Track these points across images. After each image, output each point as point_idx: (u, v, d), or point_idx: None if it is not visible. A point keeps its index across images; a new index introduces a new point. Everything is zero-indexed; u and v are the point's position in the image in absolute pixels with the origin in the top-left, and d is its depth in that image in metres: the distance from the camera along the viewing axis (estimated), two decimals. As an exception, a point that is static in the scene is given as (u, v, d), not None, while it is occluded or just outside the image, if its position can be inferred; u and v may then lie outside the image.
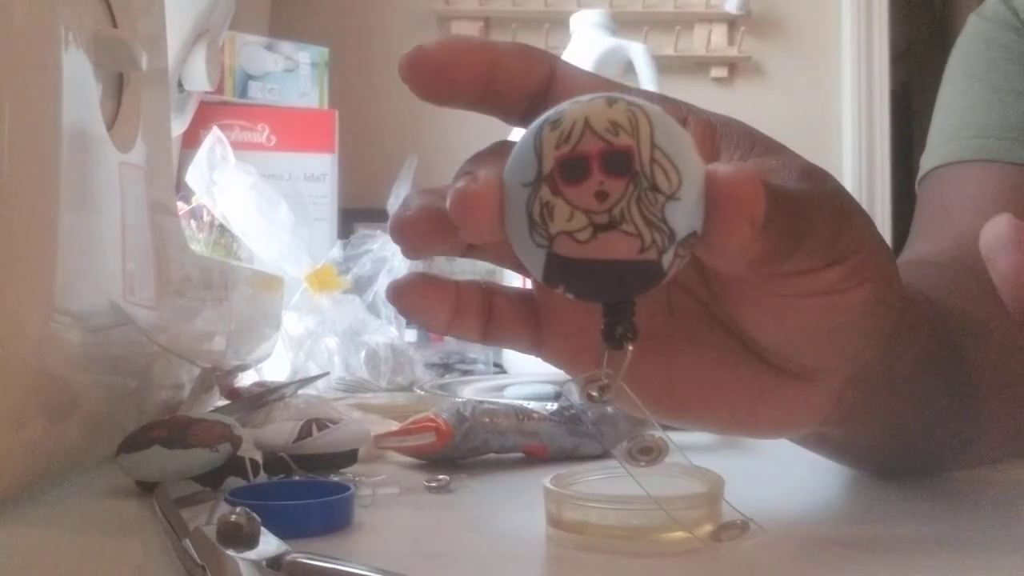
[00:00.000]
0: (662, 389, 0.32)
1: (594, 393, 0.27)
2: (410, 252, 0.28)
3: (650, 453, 0.27)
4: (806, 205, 0.26)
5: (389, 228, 0.28)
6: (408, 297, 0.30)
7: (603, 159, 0.23)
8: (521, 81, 0.28)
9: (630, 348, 0.26)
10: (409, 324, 1.01)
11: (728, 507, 0.31)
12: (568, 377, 0.33)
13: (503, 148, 0.27)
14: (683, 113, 0.29)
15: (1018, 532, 0.35)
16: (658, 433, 0.28)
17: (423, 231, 0.27)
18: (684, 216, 0.24)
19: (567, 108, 0.24)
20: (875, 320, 0.30)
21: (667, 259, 0.24)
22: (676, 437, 0.29)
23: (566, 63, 0.29)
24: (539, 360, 0.33)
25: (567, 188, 0.24)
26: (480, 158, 0.27)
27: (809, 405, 0.33)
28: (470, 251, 0.30)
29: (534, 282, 0.32)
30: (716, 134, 0.30)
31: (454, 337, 0.32)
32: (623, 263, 0.24)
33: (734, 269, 0.26)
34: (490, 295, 0.32)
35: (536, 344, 0.32)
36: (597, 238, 0.24)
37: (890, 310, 0.31)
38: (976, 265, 0.50)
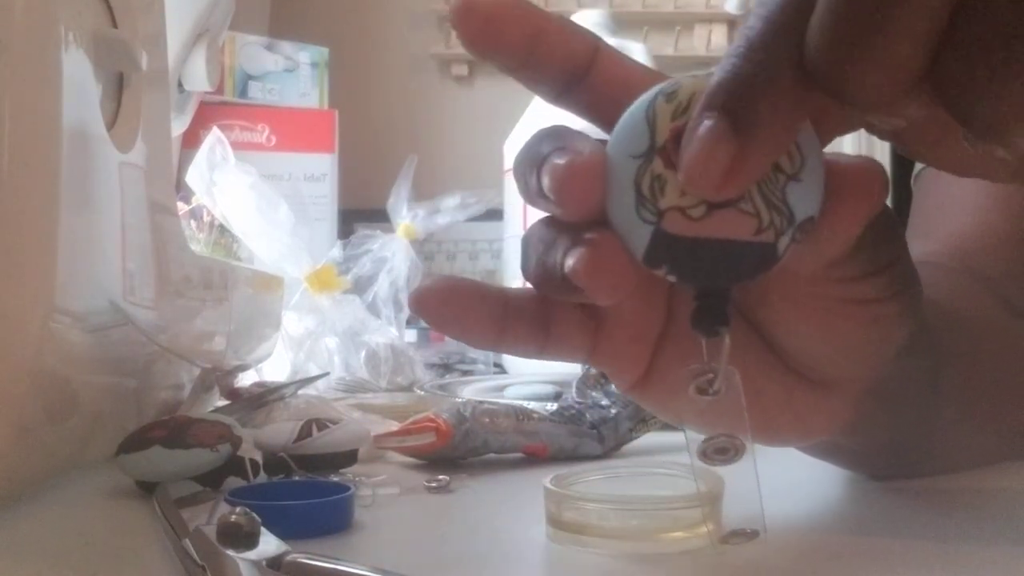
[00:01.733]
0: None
1: (702, 387, 0.25)
2: (580, 209, 0.24)
3: (726, 453, 0.26)
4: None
5: (554, 184, 0.24)
6: (432, 306, 0.28)
7: None
8: (564, 52, 0.27)
9: (727, 337, 0.24)
10: (410, 324, 1.01)
11: (728, 511, 0.31)
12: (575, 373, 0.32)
13: (565, 128, 0.26)
14: None
15: (1018, 536, 0.35)
16: (738, 435, 0.27)
17: (599, 178, 0.24)
18: (804, 199, 0.22)
19: (683, 80, 0.23)
20: (905, 331, 0.30)
21: (783, 243, 0.23)
22: (677, 437, 0.29)
23: (612, 48, 0.28)
24: (539, 360, 0.32)
25: None
26: (556, 136, 0.26)
27: (829, 414, 0.33)
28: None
29: None
30: None
31: (506, 352, 0.30)
32: (736, 244, 0.22)
33: (823, 259, 0.25)
34: (546, 302, 0.29)
35: (591, 351, 0.30)
36: (711, 215, 0.22)
37: (914, 321, 0.31)
38: (971, 264, 0.50)
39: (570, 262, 0.24)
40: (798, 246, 0.23)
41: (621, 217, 0.23)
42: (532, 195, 0.26)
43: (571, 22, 0.27)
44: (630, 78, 0.27)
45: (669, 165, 0.22)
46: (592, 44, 0.27)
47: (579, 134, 0.26)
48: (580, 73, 0.27)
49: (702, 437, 0.27)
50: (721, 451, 0.27)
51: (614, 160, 0.23)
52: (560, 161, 0.24)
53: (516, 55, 0.26)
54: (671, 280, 0.24)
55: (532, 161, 0.26)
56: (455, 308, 0.28)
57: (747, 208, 0.22)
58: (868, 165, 0.23)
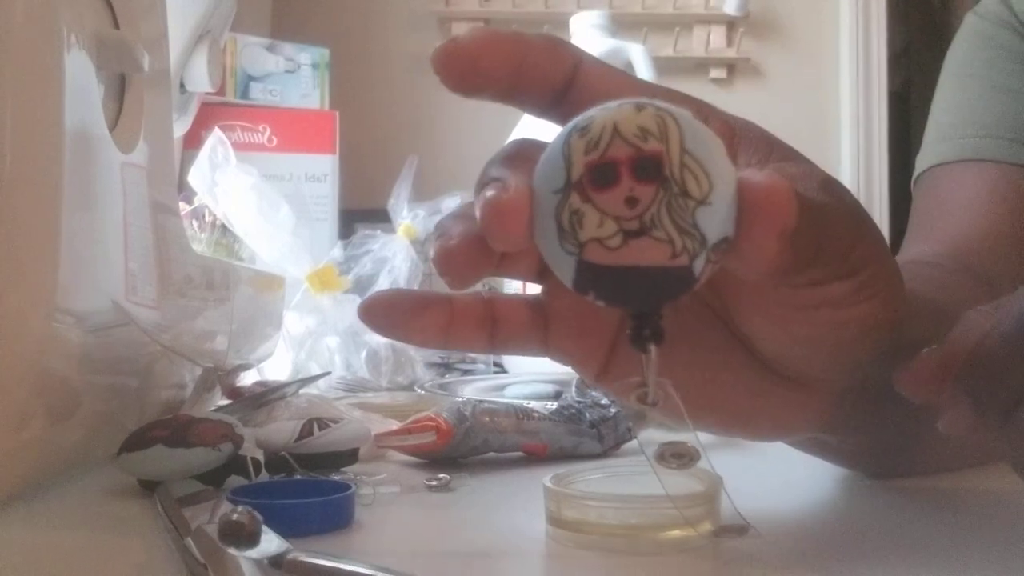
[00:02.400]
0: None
1: (641, 397, 0.26)
2: (457, 283, 0.27)
3: (682, 458, 0.27)
4: (826, 217, 0.26)
5: (434, 261, 0.28)
6: (377, 317, 0.30)
7: (633, 165, 0.23)
8: (549, 73, 0.27)
9: (653, 350, 0.25)
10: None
11: (728, 509, 0.32)
12: (571, 375, 0.33)
13: (525, 148, 0.27)
14: (704, 113, 0.29)
15: (1014, 535, 0.35)
16: (691, 441, 0.28)
17: (469, 261, 0.27)
18: (715, 222, 0.23)
19: (595, 114, 0.24)
20: (878, 335, 0.30)
21: (698, 265, 0.23)
22: (677, 437, 0.29)
23: (591, 57, 0.28)
24: (540, 360, 0.33)
25: (597, 194, 0.23)
26: (505, 161, 0.27)
27: (807, 411, 0.33)
28: (498, 268, 0.30)
29: (544, 284, 0.32)
30: (735, 137, 0.29)
31: (457, 351, 0.32)
32: (654, 269, 0.23)
33: (755, 276, 0.26)
34: (492, 304, 0.31)
35: (544, 346, 0.32)
36: (628, 245, 0.23)
37: (893, 326, 0.31)
38: (972, 265, 0.50)
39: (431, 252, 0.27)
40: (716, 266, 0.24)
41: (547, 249, 0.25)
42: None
43: (551, 40, 0.28)
44: (611, 88, 0.27)
45: (585, 199, 0.23)
46: (573, 59, 0.28)
47: (518, 159, 0.26)
48: (562, 90, 0.28)
49: (656, 444, 0.28)
50: (677, 456, 0.27)
51: (538, 194, 0.24)
52: (488, 195, 0.25)
53: (502, 88, 0.27)
54: (600, 305, 0.25)
55: (479, 186, 0.27)
56: (398, 317, 0.30)
57: (660, 236, 0.23)
58: (772, 184, 0.24)
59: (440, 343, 0.31)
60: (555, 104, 0.28)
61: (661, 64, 1.59)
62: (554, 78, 0.27)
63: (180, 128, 0.90)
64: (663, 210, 0.23)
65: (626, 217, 0.23)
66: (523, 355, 0.33)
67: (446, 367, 0.94)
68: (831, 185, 0.28)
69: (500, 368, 0.94)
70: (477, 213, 0.25)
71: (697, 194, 0.23)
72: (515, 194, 0.24)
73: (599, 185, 0.23)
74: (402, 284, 0.95)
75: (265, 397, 0.57)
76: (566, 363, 0.33)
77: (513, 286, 0.86)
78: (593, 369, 0.32)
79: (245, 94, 1.26)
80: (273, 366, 0.80)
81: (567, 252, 0.24)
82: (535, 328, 0.32)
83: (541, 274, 0.32)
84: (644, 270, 0.23)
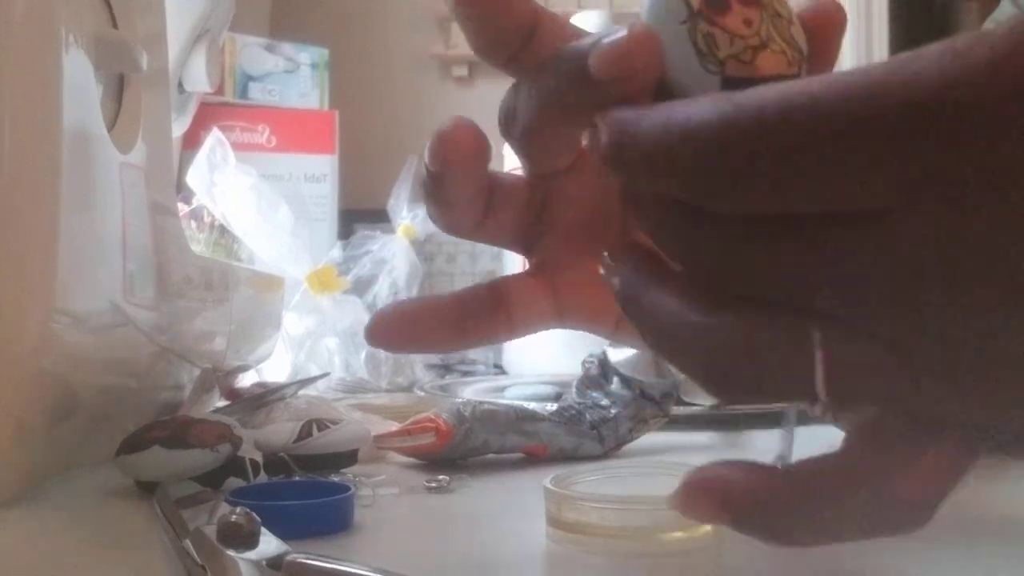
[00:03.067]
0: None
1: None
2: (447, 175, 0.29)
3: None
4: None
5: (431, 149, 0.29)
6: (388, 338, 0.30)
7: None
8: (514, 16, 0.29)
9: None
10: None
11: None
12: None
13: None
14: None
15: (1016, 534, 0.35)
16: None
17: (466, 149, 0.29)
18: (801, 36, 0.27)
19: None
20: None
21: (803, 74, 0.27)
22: (677, 437, 0.29)
23: (551, 13, 0.30)
24: (540, 361, 0.33)
25: (720, 18, 0.27)
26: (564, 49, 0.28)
27: None
28: (478, 229, 0.31)
29: (534, 251, 0.33)
30: None
31: (478, 345, 0.32)
32: (778, 78, 0.26)
33: None
34: (498, 289, 0.32)
35: (561, 315, 0.33)
36: (757, 57, 0.27)
37: None
38: None
39: (425, 154, 0.29)
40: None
41: (688, 75, 0.27)
42: (567, 88, 0.27)
43: None
44: (569, 37, 0.29)
45: (712, 24, 0.27)
46: (533, 9, 0.30)
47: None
48: (525, 37, 0.29)
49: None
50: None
51: (664, 30, 0.27)
52: (605, 40, 0.26)
53: (472, 19, 0.29)
54: None
55: (568, 58, 0.27)
56: (409, 333, 0.30)
57: (777, 48, 0.27)
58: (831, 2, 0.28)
59: (456, 344, 0.31)
60: (514, 59, 0.29)
61: (661, 64, 1.58)
62: (515, 20, 0.29)
63: (179, 128, 0.90)
64: (771, 28, 0.27)
65: (747, 35, 0.27)
66: (540, 329, 0.33)
67: (446, 368, 0.94)
68: None
69: (500, 369, 0.94)
70: (605, 61, 0.26)
71: (786, 14, 0.27)
72: (640, 27, 0.27)
73: (718, 10, 0.27)
74: (401, 285, 0.95)
75: (264, 398, 0.57)
76: (581, 323, 0.33)
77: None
78: (608, 322, 0.33)
79: (244, 94, 1.26)
80: (272, 367, 0.80)
81: (710, 72, 0.27)
82: (547, 299, 0.32)
83: (527, 244, 0.32)
84: (771, 79, 0.26)
